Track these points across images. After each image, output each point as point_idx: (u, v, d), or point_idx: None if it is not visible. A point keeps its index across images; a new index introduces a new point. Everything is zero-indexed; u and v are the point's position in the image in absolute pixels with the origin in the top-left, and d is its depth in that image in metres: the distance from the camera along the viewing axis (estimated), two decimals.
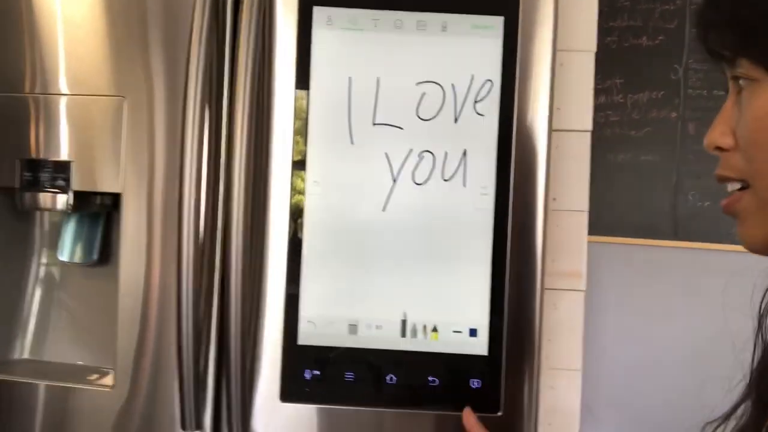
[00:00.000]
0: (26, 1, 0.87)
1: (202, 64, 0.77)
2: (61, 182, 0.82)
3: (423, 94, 0.82)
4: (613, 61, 1.59)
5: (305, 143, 0.82)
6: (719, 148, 0.49)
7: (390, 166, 0.82)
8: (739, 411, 0.49)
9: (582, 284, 1.04)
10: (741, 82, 0.47)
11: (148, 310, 0.85)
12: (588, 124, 1.01)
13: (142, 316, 0.85)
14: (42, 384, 0.87)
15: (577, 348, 1.05)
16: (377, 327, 0.83)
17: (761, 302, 0.51)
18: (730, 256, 1.58)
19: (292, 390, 0.83)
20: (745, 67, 0.46)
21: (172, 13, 0.84)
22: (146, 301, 0.85)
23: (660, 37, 1.59)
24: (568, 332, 1.05)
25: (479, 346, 0.83)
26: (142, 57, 0.85)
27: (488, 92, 0.82)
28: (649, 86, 1.60)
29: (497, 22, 0.81)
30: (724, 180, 0.50)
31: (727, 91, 0.50)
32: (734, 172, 0.48)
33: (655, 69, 1.59)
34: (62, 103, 0.87)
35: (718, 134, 0.49)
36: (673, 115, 1.60)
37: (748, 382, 0.48)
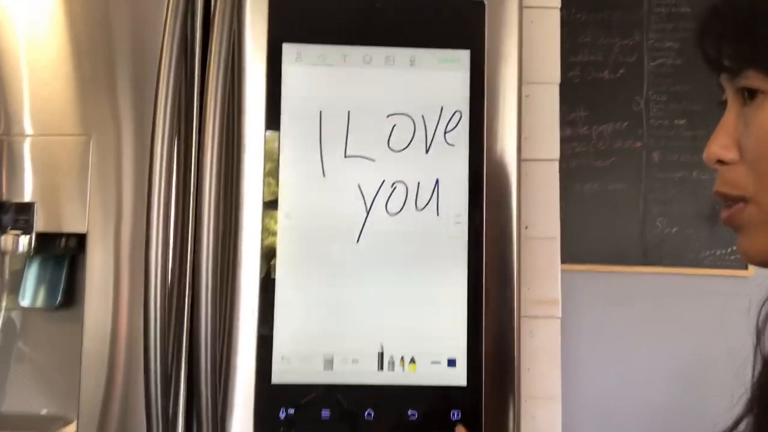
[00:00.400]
0: None
1: (170, 104, 0.76)
2: (22, 224, 0.79)
3: (394, 126, 0.83)
4: (577, 95, 1.65)
5: (277, 184, 0.82)
6: (720, 162, 0.48)
7: (363, 197, 0.82)
8: (741, 426, 0.47)
9: (558, 311, 1.04)
10: (746, 93, 0.46)
11: (115, 355, 0.82)
12: (555, 152, 1.03)
13: (109, 361, 0.82)
14: None
15: (555, 375, 1.05)
16: (353, 361, 0.82)
17: (758, 318, 0.50)
18: (699, 280, 1.62)
19: (266, 431, 0.81)
20: (752, 78, 0.45)
21: (140, 52, 0.84)
22: (113, 346, 0.82)
23: (621, 71, 1.65)
24: (546, 360, 1.04)
25: (458, 377, 0.82)
26: (109, 96, 0.84)
27: (457, 123, 0.83)
28: (613, 118, 1.65)
29: (463, 55, 0.83)
30: (723, 197, 0.48)
31: (723, 109, 0.49)
32: (735, 188, 0.47)
33: (618, 101, 1.65)
34: (26, 144, 0.85)
35: (719, 147, 0.47)
36: (638, 144, 1.65)
37: (749, 396, 0.47)
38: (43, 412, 0.89)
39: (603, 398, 1.61)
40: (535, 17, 1.02)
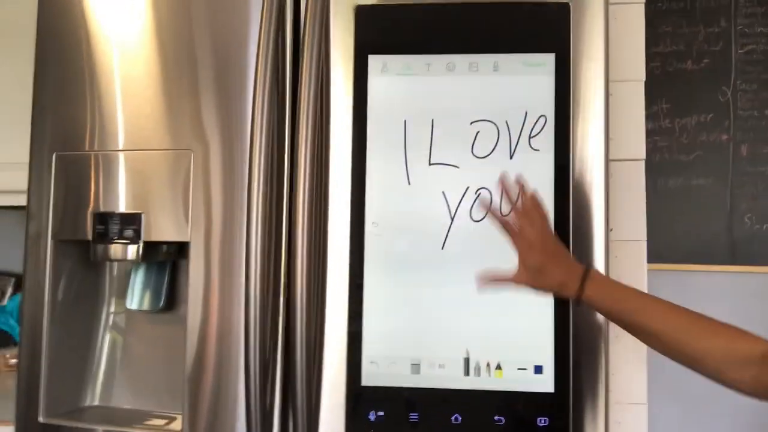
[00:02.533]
0: (88, 63, 0.93)
1: (266, 119, 0.80)
2: (130, 233, 0.85)
3: (477, 133, 0.83)
4: (658, 87, 1.58)
5: (363, 192, 0.84)
6: None
7: (447, 204, 0.83)
8: None
9: None
10: None
11: (209, 353, 0.87)
12: (641, 152, 1.00)
13: (204, 359, 0.87)
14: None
15: (641, 380, 1.02)
16: (440, 366, 0.83)
17: None
18: None
19: (357, 430, 0.83)
20: None
21: (223, 69, 0.88)
22: (208, 344, 0.87)
23: (705, 60, 1.57)
24: (632, 365, 1.02)
25: (545, 383, 0.82)
26: (194, 110, 0.89)
27: (542, 127, 0.82)
28: (697, 110, 1.57)
29: (548, 59, 0.82)
30: None
31: None
32: None
33: (703, 92, 1.57)
34: (129, 158, 0.91)
35: None
36: (724, 137, 1.57)
37: None
38: (147, 408, 0.96)
39: (687, 402, 1.55)
40: (618, 13, 0.99)
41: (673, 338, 0.67)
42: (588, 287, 0.71)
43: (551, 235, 0.75)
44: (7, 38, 1.37)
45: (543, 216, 0.75)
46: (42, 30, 0.95)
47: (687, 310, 0.68)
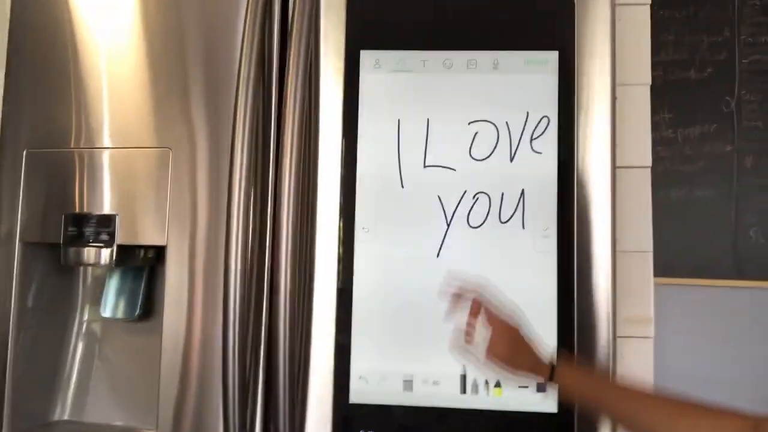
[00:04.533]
0: (74, 60, 0.88)
1: (249, 115, 0.75)
2: (104, 236, 0.80)
3: (476, 134, 0.78)
4: (659, 96, 1.54)
5: (353, 195, 0.79)
6: None
7: (443, 209, 0.78)
8: None
9: (650, 330, 0.96)
10: None
11: (188, 367, 0.82)
12: (647, 159, 0.96)
13: (183, 372, 0.81)
14: None
15: None
16: (434, 382, 0.77)
17: None
18: None
19: None
20: None
21: (213, 62, 0.84)
22: (187, 357, 0.82)
23: (708, 70, 1.54)
24: (638, 383, 0.96)
25: (548, 403, 0.76)
26: (183, 108, 0.84)
27: (545, 129, 0.77)
28: (700, 120, 1.54)
29: (552, 57, 0.78)
30: None
31: None
32: None
33: (706, 102, 1.53)
34: (106, 156, 0.86)
35: None
36: (728, 148, 1.53)
37: None
38: (122, 423, 0.90)
39: None
40: (622, 14, 0.95)
41: (657, 428, 0.63)
42: (558, 376, 0.71)
43: (516, 336, 0.72)
44: None
45: (502, 324, 0.72)
46: (15, 22, 0.90)
47: (666, 397, 0.65)
